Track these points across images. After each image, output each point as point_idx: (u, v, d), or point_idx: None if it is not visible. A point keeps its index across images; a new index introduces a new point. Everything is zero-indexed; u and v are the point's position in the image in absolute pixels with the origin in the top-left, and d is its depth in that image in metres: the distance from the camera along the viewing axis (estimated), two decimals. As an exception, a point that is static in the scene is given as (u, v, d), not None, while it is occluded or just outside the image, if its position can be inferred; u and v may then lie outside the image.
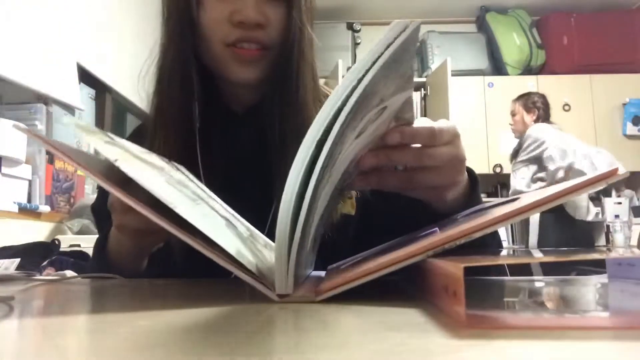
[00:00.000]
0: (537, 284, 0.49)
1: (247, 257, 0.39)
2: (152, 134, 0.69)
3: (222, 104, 0.73)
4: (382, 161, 0.49)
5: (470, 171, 0.57)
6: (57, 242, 1.93)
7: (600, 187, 0.32)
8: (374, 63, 0.37)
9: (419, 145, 0.49)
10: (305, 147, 0.35)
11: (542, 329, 0.26)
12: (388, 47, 0.37)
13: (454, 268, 0.27)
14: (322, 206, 0.42)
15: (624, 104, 4.31)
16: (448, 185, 0.52)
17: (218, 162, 0.68)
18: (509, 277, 0.50)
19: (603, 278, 0.43)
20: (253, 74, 0.66)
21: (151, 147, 0.61)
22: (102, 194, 0.79)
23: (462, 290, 0.25)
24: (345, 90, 0.36)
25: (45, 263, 1.65)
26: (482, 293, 0.41)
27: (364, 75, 0.37)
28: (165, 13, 0.69)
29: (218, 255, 0.36)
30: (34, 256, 1.72)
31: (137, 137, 0.69)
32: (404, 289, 0.44)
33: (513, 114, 3.16)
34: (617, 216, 3.91)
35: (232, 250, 0.37)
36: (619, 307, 0.36)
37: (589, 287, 0.45)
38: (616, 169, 0.32)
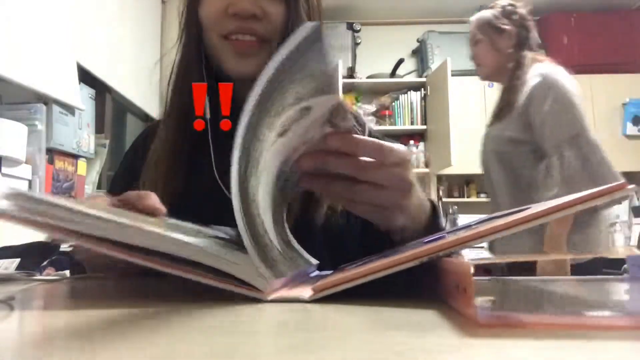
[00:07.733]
0: (550, 284, 0.49)
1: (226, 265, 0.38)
2: (165, 127, 0.73)
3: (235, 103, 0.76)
4: (319, 164, 0.47)
5: (432, 203, 0.57)
6: (57, 242, 1.92)
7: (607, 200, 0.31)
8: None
9: (366, 158, 0.47)
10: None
11: (556, 328, 0.26)
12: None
13: (463, 265, 0.28)
14: (266, 206, 0.42)
15: (624, 104, 4.31)
16: (391, 207, 0.50)
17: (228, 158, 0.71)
18: (519, 278, 0.49)
19: (622, 279, 0.43)
20: (250, 67, 0.66)
21: (164, 142, 0.68)
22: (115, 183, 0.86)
23: (471, 286, 0.26)
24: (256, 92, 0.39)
25: (45, 263, 1.65)
26: (493, 294, 0.41)
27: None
28: (181, 8, 0.74)
29: (196, 273, 0.35)
30: (34, 256, 1.71)
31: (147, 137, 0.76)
32: (416, 289, 0.44)
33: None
34: (617, 216, 3.91)
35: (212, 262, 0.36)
36: None
37: (609, 288, 0.45)
38: (624, 183, 0.31)
